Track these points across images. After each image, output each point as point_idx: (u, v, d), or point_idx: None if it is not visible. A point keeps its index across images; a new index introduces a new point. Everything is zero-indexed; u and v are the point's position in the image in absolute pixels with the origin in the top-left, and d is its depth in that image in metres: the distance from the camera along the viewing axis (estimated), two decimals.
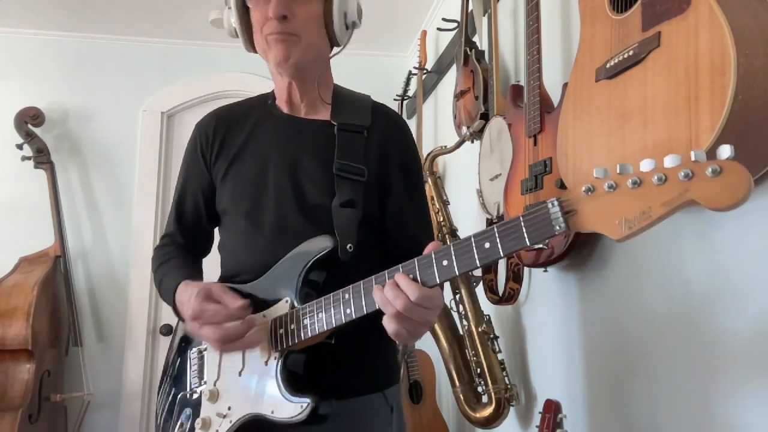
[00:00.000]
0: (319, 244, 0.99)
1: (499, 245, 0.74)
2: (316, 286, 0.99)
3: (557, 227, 0.68)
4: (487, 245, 0.75)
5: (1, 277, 2.54)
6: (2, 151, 2.82)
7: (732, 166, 0.58)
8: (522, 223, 0.71)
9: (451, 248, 0.79)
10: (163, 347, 2.92)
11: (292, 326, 0.95)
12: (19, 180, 2.84)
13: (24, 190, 2.84)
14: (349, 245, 1.00)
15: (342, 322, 0.89)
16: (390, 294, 0.81)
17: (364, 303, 0.87)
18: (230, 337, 0.96)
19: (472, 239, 0.77)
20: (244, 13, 1.09)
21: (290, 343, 0.95)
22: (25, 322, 2.35)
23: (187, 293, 1.02)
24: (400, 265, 0.84)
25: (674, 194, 0.60)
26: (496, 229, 0.74)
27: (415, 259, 0.83)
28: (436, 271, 0.80)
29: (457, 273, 0.79)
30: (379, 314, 0.85)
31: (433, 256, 0.81)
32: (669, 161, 0.61)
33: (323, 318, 0.91)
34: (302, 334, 0.94)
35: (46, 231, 2.72)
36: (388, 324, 0.83)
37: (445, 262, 0.79)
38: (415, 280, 0.82)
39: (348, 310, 0.88)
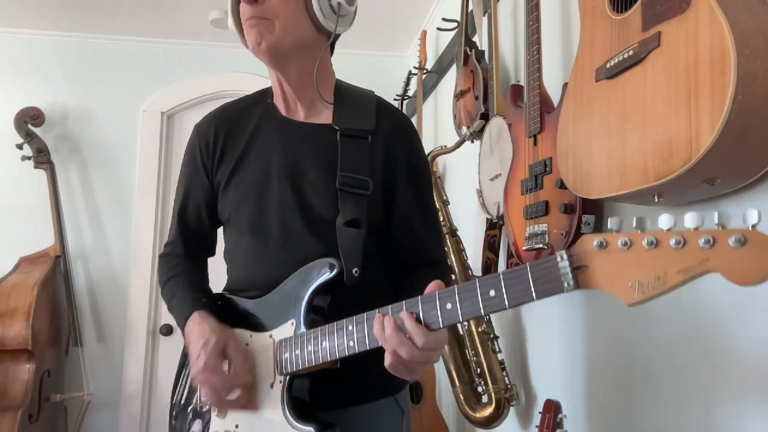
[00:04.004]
0: (325, 267, 0.97)
1: (505, 295, 0.70)
2: (321, 310, 0.98)
3: (566, 284, 0.64)
4: (492, 293, 0.71)
5: (1, 277, 2.54)
6: (2, 151, 2.82)
7: (758, 238, 0.53)
8: (529, 274, 0.68)
9: (456, 291, 0.75)
10: (163, 347, 2.92)
11: (297, 352, 0.94)
12: (19, 180, 2.85)
13: (24, 190, 2.85)
14: (354, 269, 0.97)
15: (345, 354, 0.88)
16: (394, 339, 0.78)
17: (367, 338, 0.85)
18: (227, 407, 0.99)
19: (477, 284, 0.73)
20: (237, 10, 1.06)
21: (294, 369, 0.94)
22: (25, 322, 2.36)
23: (199, 330, 1.00)
24: (403, 303, 0.81)
25: (693, 262, 0.55)
26: (501, 277, 0.71)
27: (419, 298, 0.79)
28: (439, 314, 0.77)
29: (461, 319, 0.76)
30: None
31: (437, 296, 0.77)
32: (689, 220, 0.56)
33: (327, 347, 0.90)
34: (305, 361, 0.93)
35: (46, 231, 2.72)
36: (387, 359, 0.82)
37: (448, 306, 0.76)
38: (418, 320, 0.78)
39: (351, 343, 0.87)
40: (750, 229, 0.53)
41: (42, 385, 2.45)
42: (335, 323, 0.89)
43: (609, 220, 0.62)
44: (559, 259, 0.65)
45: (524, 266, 0.68)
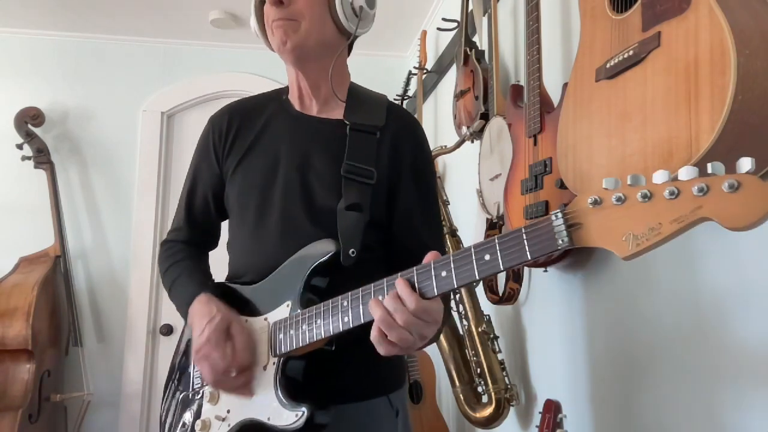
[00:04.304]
0: (321, 248, 0.98)
1: (499, 258, 0.71)
2: (318, 291, 0.98)
3: (560, 241, 0.65)
4: (487, 257, 0.72)
5: (1, 277, 2.54)
6: (2, 151, 2.82)
7: (751, 182, 0.53)
8: (524, 236, 0.68)
9: (450, 259, 0.76)
10: (163, 347, 2.92)
11: (291, 332, 0.94)
12: (19, 180, 2.85)
13: (24, 190, 2.85)
14: (351, 250, 0.98)
15: (339, 331, 0.88)
16: (391, 305, 0.78)
17: (362, 312, 0.85)
18: (222, 386, 0.99)
19: (472, 250, 0.74)
20: (261, 12, 1.09)
21: (289, 349, 0.95)
22: (25, 322, 2.36)
23: (206, 309, 1.01)
24: (398, 274, 0.81)
25: (686, 210, 0.56)
26: (496, 241, 0.72)
27: (414, 268, 0.80)
28: (434, 282, 0.78)
29: (455, 285, 0.76)
30: None
31: (432, 266, 0.78)
32: (684, 173, 0.57)
33: (321, 325, 0.90)
34: (300, 341, 0.93)
35: (46, 231, 2.72)
36: (374, 329, 0.81)
37: (443, 273, 0.77)
38: (413, 288, 0.79)
39: (346, 319, 0.87)
40: (743, 173, 0.54)
41: (42, 385, 2.45)
42: (330, 301, 0.90)
43: (604, 180, 0.63)
44: (553, 218, 0.66)
45: (518, 229, 0.69)
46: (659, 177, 0.59)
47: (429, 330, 0.82)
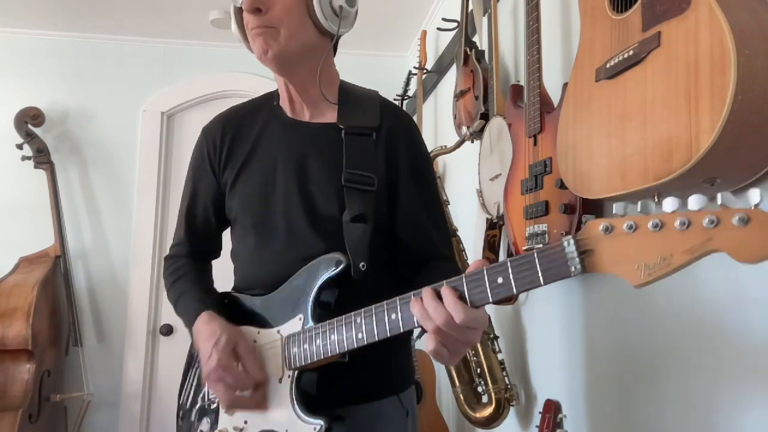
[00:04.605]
0: (331, 262, 0.98)
1: (512, 281, 0.71)
2: (328, 305, 0.98)
3: (573, 268, 0.65)
4: (500, 280, 0.72)
5: (1, 277, 2.54)
6: (2, 151, 2.82)
7: (760, 217, 0.54)
8: (536, 260, 0.68)
9: (463, 280, 0.76)
10: (163, 347, 2.92)
11: (305, 346, 0.95)
12: (19, 180, 2.85)
13: (24, 190, 2.85)
14: (361, 264, 0.98)
15: (354, 347, 0.88)
16: (430, 307, 0.77)
17: (375, 329, 0.85)
18: (239, 405, 0.98)
19: (485, 272, 0.74)
20: (240, 18, 1.07)
21: (303, 363, 0.95)
22: (25, 322, 2.36)
23: (209, 329, 1.00)
24: (411, 293, 0.81)
25: (697, 242, 0.57)
26: (509, 264, 0.71)
27: (424, 288, 0.79)
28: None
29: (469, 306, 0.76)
30: (391, 336, 0.84)
31: (445, 286, 0.77)
32: (693, 202, 0.58)
33: (335, 340, 0.90)
34: (314, 355, 0.93)
35: (46, 231, 2.72)
36: (430, 343, 0.79)
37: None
38: (461, 298, 0.76)
39: (360, 335, 0.87)
40: (753, 208, 0.54)
41: (42, 385, 2.45)
42: (343, 317, 0.90)
43: (614, 205, 0.63)
44: (565, 244, 0.66)
45: (531, 253, 0.69)
46: (669, 205, 0.59)
47: (476, 336, 0.80)
